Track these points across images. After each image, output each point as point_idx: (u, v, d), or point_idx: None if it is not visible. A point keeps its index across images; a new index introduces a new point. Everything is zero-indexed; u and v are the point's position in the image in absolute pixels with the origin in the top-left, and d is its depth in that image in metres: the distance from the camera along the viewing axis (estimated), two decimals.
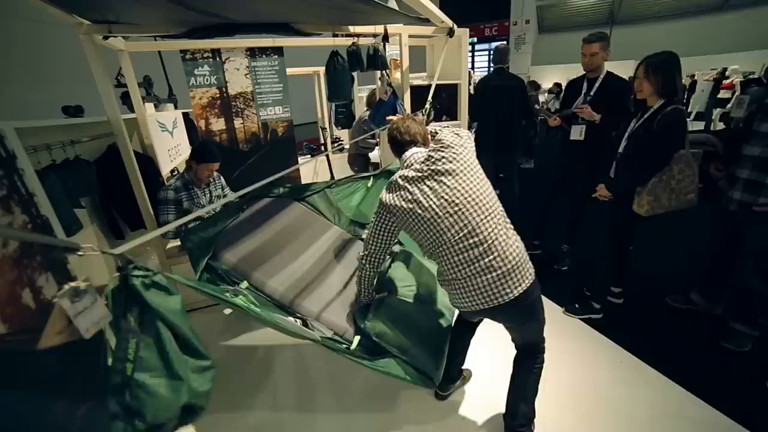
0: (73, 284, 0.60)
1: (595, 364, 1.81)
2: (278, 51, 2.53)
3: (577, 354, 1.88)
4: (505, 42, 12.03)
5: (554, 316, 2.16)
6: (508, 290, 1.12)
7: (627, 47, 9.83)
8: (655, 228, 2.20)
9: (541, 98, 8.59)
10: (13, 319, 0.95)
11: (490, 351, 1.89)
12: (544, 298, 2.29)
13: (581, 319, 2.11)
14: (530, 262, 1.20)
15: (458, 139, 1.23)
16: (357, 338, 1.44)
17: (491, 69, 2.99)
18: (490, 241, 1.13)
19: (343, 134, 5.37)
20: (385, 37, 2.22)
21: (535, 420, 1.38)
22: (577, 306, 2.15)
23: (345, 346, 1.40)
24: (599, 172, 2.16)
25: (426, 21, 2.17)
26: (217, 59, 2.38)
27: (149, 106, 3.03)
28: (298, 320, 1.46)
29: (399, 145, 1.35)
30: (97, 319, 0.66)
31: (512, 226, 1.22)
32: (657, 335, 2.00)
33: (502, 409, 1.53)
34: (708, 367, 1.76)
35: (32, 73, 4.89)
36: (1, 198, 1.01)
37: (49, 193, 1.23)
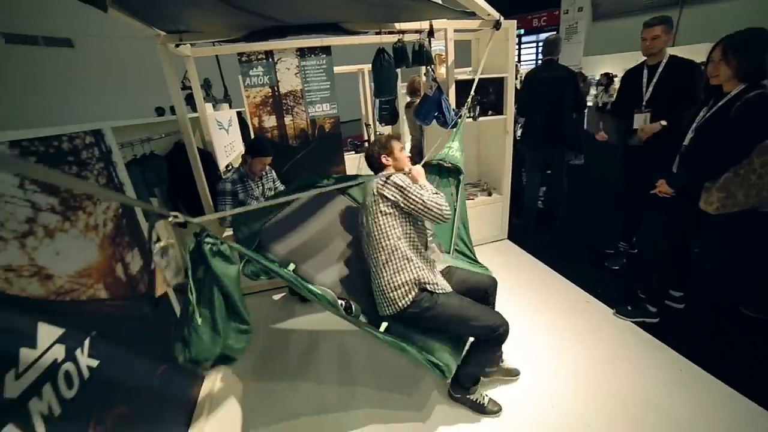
0: (162, 243, 0.74)
1: (649, 371, 1.70)
2: (326, 50, 2.65)
3: (629, 359, 1.78)
4: (555, 32, 11.43)
5: (602, 318, 2.06)
6: (380, 310, 1.47)
7: (699, 30, 8.91)
8: (727, 226, 2.02)
9: (593, 91, 8.02)
10: (111, 288, 1.13)
11: (531, 346, 1.87)
12: (593, 299, 2.23)
13: (634, 322, 2.00)
14: (387, 300, 1.42)
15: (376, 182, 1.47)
16: (384, 324, 1.49)
17: (540, 61, 2.89)
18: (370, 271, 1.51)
19: (387, 130, 5.49)
20: (431, 33, 2.25)
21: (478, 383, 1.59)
22: (629, 308, 2.04)
23: (374, 330, 1.43)
24: (663, 166, 2.02)
25: (472, 14, 2.17)
26: (270, 60, 2.56)
27: (208, 106, 3.32)
28: (342, 301, 1.57)
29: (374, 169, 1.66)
30: (175, 273, 0.86)
31: (382, 266, 1.44)
32: (725, 345, 1.83)
33: (540, 399, 1.61)
34: None
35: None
36: (102, 186, 1.20)
37: (132, 183, 1.42)
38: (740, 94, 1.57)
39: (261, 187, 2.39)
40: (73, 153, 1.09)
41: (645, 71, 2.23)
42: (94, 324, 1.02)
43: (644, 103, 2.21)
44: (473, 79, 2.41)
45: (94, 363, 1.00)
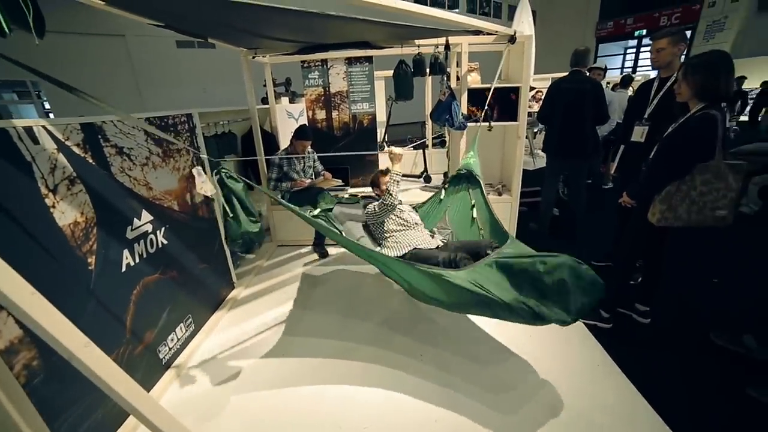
0: (199, 168, 1.56)
1: (569, 361, 1.93)
2: (369, 59, 3.36)
3: (556, 345, 2.01)
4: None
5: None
6: None
7: None
8: (725, 255, 2.06)
9: None
10: (180, 206, 2.03)
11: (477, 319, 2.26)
12: None
13: (585, 324, 2.20)
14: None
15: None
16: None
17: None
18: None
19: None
20: (447, 47, 2.75)
21: None
22: None
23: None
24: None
25: (479, 32, 2.59)
26: (324, 66, 3.37)
27: (285, 100, 4.35)
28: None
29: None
30: (209, 190, 1.76)
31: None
32: (677, 369, 1.89)
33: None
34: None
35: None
36: (187, 146, 2.11)
37: (207, 148, 2.34)
38: (696, 112, 1.73)
39: (302, 164, 3.23)
40: (173, 126, 2.02)
41: (656, 84, 2.32)
42: (168, 221, 1.92)
43: (645, 117, 2.33)
44: (485, 88, 2.82)
45: (165, 241, 1.90)
